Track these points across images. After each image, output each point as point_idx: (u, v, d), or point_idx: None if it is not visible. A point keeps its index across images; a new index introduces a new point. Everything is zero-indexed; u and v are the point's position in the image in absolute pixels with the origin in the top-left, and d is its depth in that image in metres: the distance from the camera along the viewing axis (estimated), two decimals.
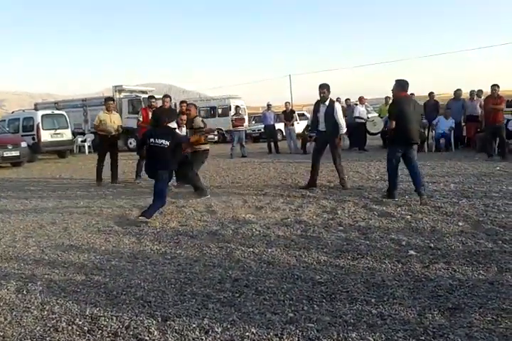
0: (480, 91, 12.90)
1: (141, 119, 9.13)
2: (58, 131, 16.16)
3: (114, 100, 9.91)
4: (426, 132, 12.79)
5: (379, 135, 13.90)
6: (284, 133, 16.80)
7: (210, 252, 4.27)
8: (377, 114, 15.06)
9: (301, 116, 21.75)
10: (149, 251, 4.42)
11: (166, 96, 8.96)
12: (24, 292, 3.50)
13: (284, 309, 2.99)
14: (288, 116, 15.04)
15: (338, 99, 14.83)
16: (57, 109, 19.80)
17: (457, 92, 13.10)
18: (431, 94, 13.82)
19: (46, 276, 3.83)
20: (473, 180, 7.40)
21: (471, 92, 12.80)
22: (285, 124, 15.17)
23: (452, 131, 12.46)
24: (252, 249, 4.28)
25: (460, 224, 4.83)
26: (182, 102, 8.84)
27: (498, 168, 8.52)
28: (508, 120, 11.16)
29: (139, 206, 6.58)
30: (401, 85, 6.33)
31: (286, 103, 15.77)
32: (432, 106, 13.56)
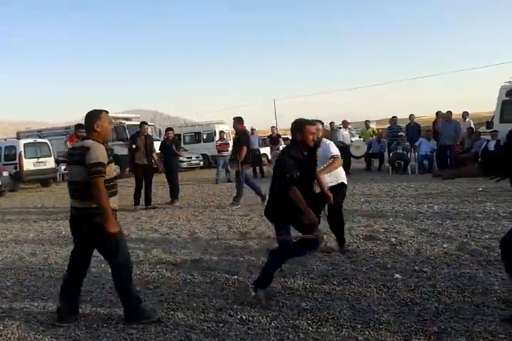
0: (466, 113, 13.27)
1: None
2: (41, 160, 15.98)
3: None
4: (408, 154, 12.95)
5: (362, 158, 14.09)
6: (270, 158, 16.87)
7: (194, 281, 4.20)
8: (360, 138, 15.25)
9: (286, 140, 21.89)
10: None
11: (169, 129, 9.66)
12: (1, 327, 3.38)
13: (269, 338, 2.93)
14: (274, 140, 15.12)
15: (331, 124, 15.02)
16: (40, 137, 19.65)
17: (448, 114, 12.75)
18: (411, 116, 14.06)
19: (25, 310, 3.72)
20: (457, 201, 7.46)
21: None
22: (271, 148, 15.23)
23: (435, 153, 12.60)
24: (236, 277, 4.21)
25: (444, 245, 4.84)
26: (168, 129, 9.28)
27: (480, 189, 8.60)
28: (488, 141, 11.36)
29: None
30: (239, 120, 8.79)
31: (272, 127, 15.91)
32: (413, 129, 13.78)
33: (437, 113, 13.37)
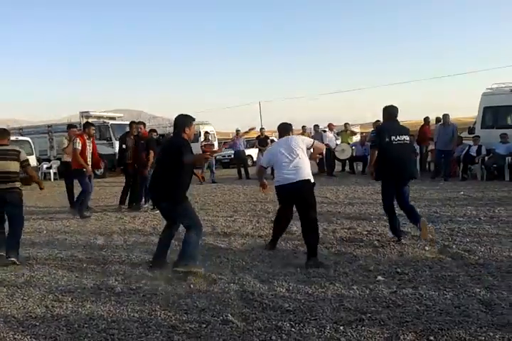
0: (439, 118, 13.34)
1: (79, 148, 8.02)
2: None
3: (76, 127, 9.72)
4: None
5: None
6: (255, 159, 16.88)
7: (177, 281, 4.17)
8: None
9: (272, 142, 21.94)
10: (113, 281, 4.28)
11: (140, 122, 9.33)
12: None
13: (252, 339, 2.93)
14: (262, 141, 15.08)
15: (315, 127, 14.98)
16: (22, 135, 19.40)
17: (446, 117, 11.67)
18: None
19: (4, 309, 3.67)
20: (439, 205, 7.54)
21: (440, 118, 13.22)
22: (259, 150, 15.13)
23: (418, 157, 12.74)
24: (219, 277, 4.20)
25: (426, 248, 4.89)
26: (151, 131, 9.36)
27: (462, 193, 8.72)
28: (470, 146, 11.53)
29: (104, 234, 6.42)
30: (144, 125, 9.33)
31: (261, 129, 15.88)
32: None
33: (425, 118, 13.43)
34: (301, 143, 4.83)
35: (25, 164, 5.38)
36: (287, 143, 4.85)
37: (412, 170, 5.49)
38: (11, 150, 5.29)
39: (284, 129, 5.07)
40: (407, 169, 5.31)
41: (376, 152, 5.36)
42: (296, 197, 4.73)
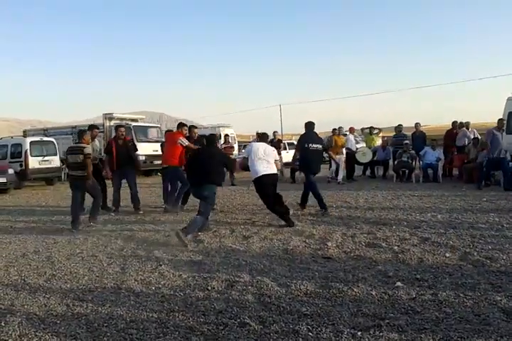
0: (467, 123, 13.13)
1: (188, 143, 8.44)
2: (46, 158, 16.01)
3: (98, 128, 9.82)
4: (414, 163, 12.93)
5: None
6: None
7: (195, 283, 4.20)
8: (364, 144, 15.23)
9: (291, 145, 21.93)
10: (133, 281, 4.33)
11: (192, 126, 9.47)
12: (2, 323, 3.39)
13: None
14: (275, 145, 15.06)
15: (340, 129, 14.83)
16: (46, 135, 19.73)
17: (501, 122, 11.37)
18: (417, 124, 14.01)
19: (26, 307, 3.74)
20: (460, 211, 7.44)
21: (460, 123, 13.03)
22: None
23: (440, 162, 12.58)
24: (237, 280, 4.22)
25: (447, 255, 4.83)
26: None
27: (484, 199, 8.58)
28: None
29: (124, 235, 6.50)
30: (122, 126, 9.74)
31: (274, 132, 15.88)
32: (418, 137, 13.75)
33: (454, 122, 13.22)
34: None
35: (85, 157, 7.08)
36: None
37: (317, 168, 8.00)
38: (79, 147, 7.22)
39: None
40: (315, 167, 7.91)
41: (298, 153, 8.09)
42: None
